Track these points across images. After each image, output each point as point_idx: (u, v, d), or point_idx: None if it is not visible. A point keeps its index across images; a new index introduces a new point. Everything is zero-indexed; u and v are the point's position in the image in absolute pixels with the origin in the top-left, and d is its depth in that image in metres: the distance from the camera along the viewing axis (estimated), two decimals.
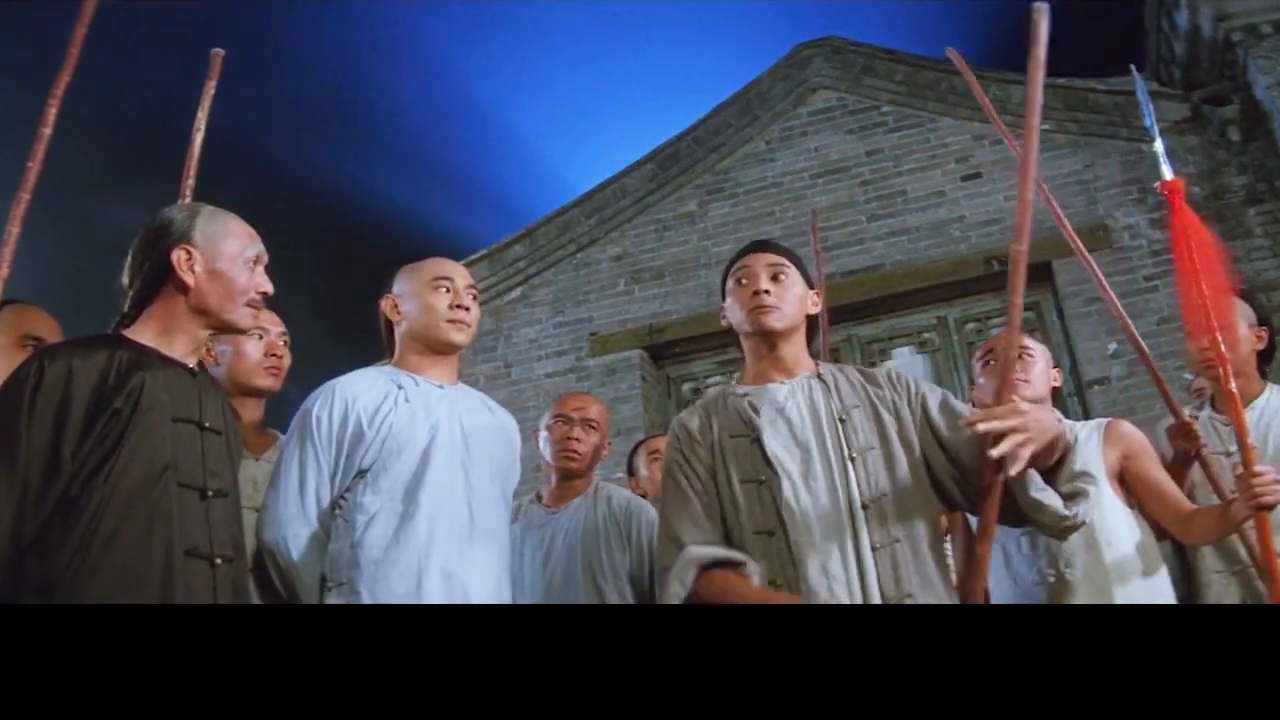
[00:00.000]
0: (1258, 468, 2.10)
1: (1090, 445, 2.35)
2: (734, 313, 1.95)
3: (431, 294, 2.10)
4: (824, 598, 1.65)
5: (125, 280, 1.76)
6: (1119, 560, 2.20)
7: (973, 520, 2.34)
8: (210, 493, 1.64)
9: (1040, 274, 5.18)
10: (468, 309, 2.11)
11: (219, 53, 2.61)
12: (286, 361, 2.35)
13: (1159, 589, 2.21)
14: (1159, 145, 2.64)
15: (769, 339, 1.90)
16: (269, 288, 1.81)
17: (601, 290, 5.84)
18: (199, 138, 2.49)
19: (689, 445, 1.86)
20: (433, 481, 1.94)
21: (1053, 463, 1.72)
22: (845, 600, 1.65)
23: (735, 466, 1.80)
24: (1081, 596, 2.16)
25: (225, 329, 1.80)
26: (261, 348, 2.29)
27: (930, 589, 1.69)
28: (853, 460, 1.75)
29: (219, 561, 1.61)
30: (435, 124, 18.20)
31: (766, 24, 16.24)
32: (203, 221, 1.76)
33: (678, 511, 1.80)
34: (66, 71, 2.24)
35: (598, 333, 5.70)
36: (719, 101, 6.12)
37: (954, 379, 5.16)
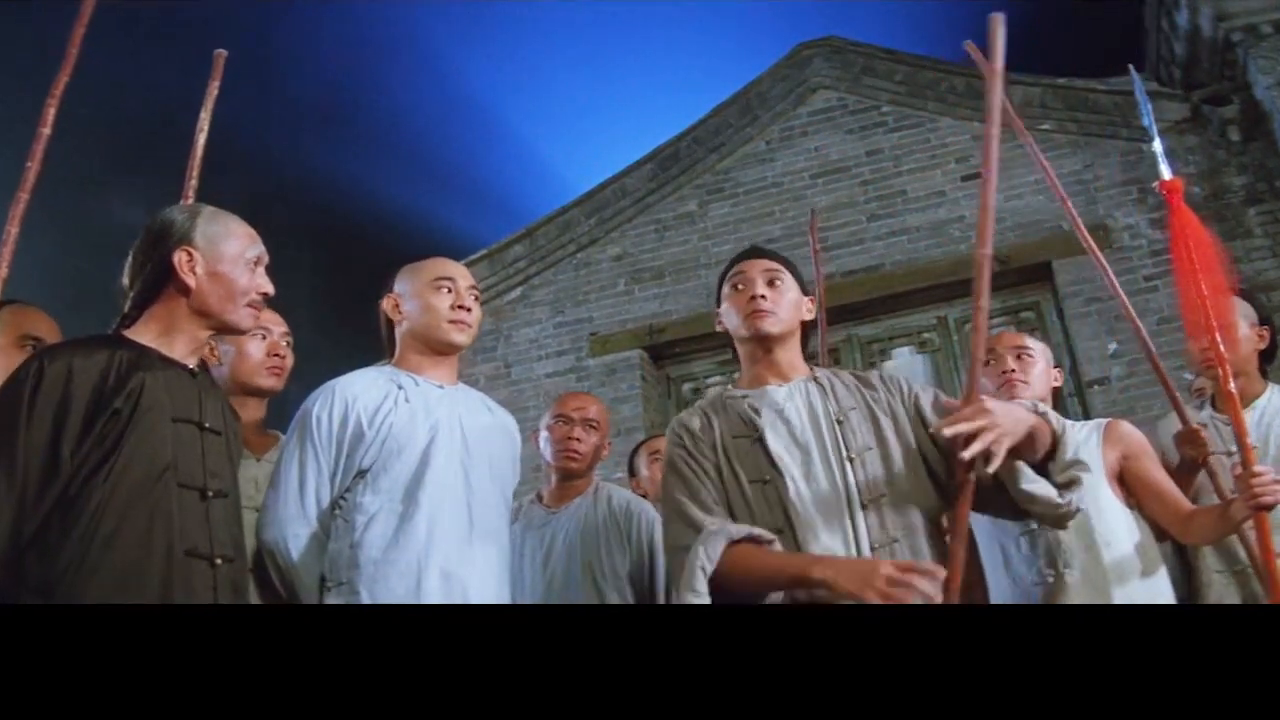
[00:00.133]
0: (1257, 468, 2.10)
1: (1090, 445, 2.34)
2: (730, 317, 1.97)
3: (433, 294, 2.10)
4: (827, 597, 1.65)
5: (126, 281, 1.76)
6: (1118, 560, 2.20)
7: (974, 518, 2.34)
8: (210, 493, 1.64)
9: (1040, 274, 5.19)
10: (469, 309, 2.11)
11: (222, 53, 2.61)
12: (289, 361, 2.36)
13: (1158, 589, 2.21)
14: (1158, 145, 2.64)
15: (765, 343, 1.92)
16: (270, 288, 1.81)
17: (601, 290, 5.84)
18: (202, 138, 2.49)
19: (693, 443, 1.86)
20: (432, 482, 1.94)
21: (1042, 455, 1.73)
22: (840, 604, 1.64)
23: (741, 467, 1.80)
24: (1080, 597, 2.16)
25: (226, 330, 1.80)
26: (264, 348, 2.29)
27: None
28: (851, 461, 1.77)
29: (219, 562, 1.61)
30: (435, 124, 18.20)
31: (766, 24, 16.23)
32: (203, 223, 1.76)
33: (687, 498, 1.79)
34: (65, 71, 2.24)
35: (598, 333, 5.70)
36: (719, 101, 6.12)
37: (954, 379, 5.16)
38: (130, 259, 1.76)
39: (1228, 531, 2.22)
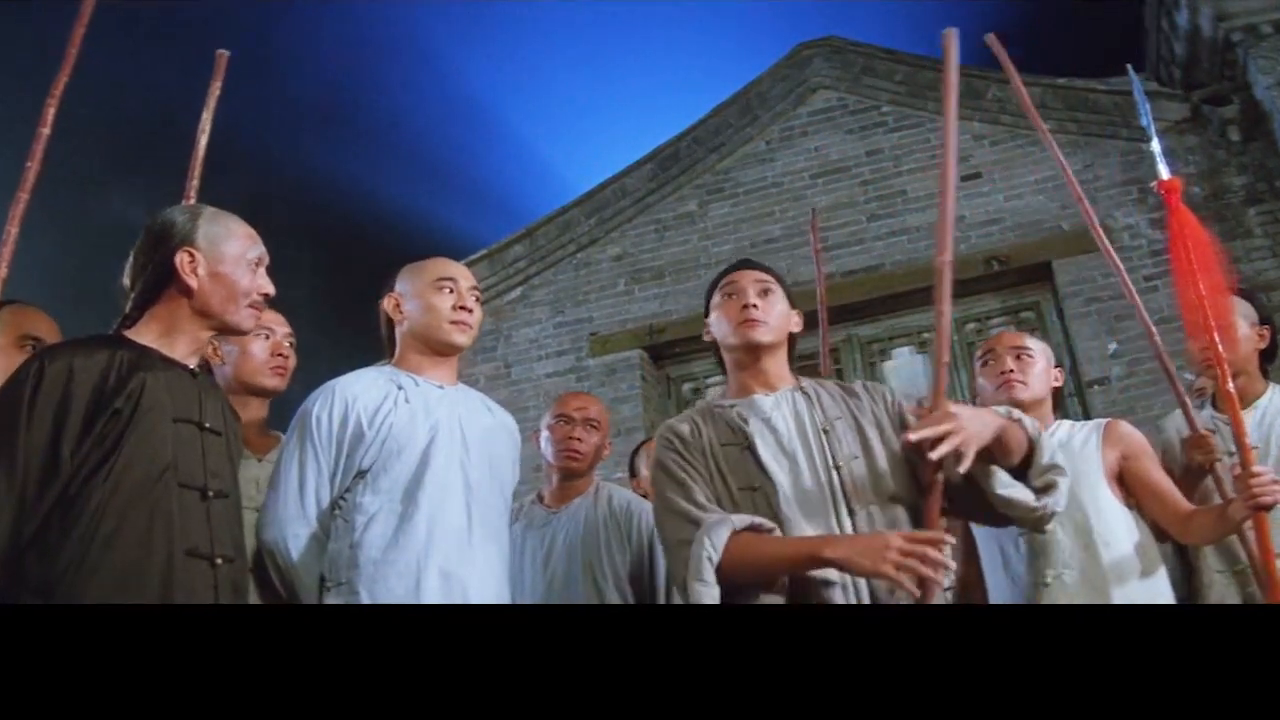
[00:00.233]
0: (1256, 468, 2.10)
1: (1089, 446, 2.34)
2: (720, 326, 1.98)
3: (435, 294, 2.09)
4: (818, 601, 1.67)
5: (126, 281, 1.76)
6: (1117, 561, 2.19)
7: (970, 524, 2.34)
8: (211, 493, 1.65)
9: (1040, 274, 5.19)
10: (470, 310, 2.11)
11: (224, 54, 2.61)
12: (292, 362, 2.36)
13: (1157, 589, 2.20)
14: (1156, 145, 2.64)
15: (755, 353, 1.94)
16: (271, 289, 1.81)
17: (601, 290, 5.84)
18: (203, 139, 2.49)
19: (683, 446, 1.87)
20: (432, 482, 1.93)
21: (1019, 459, 1.76)
22: (840, 604, 1.67)
23: (731, 474, 1.82)
24: (1079, 597, 2.16)
25: (227, 330, 1.80)
26: (268, 348, 2.30)
27: None
28: (838, 469, 1.79)
29: (219, 562, 1.61)
30: (435, 124, 18.20)
31: (766, 24, 16.24)
32: (205, 223, 1.76)
33: (681, 497, 1.80)
34: (65, 71, 2.24)
35: (598, 333, 5.70)
36: (719, 101, 6.12)
37: (954, 379, 5.16)
38: (131, 259, 1.76)
39: (1227, 532, 2.21)
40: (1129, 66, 3.11)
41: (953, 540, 1.62)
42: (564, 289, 5.91)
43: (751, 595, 1.69)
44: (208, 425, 1.69)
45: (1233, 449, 2.29)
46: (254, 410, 2.29)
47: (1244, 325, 2.53)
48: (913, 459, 1.78)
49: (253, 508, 1.98)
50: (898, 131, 5.71)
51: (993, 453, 1.72)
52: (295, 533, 1.92)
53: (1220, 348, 2.26)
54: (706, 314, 2.04)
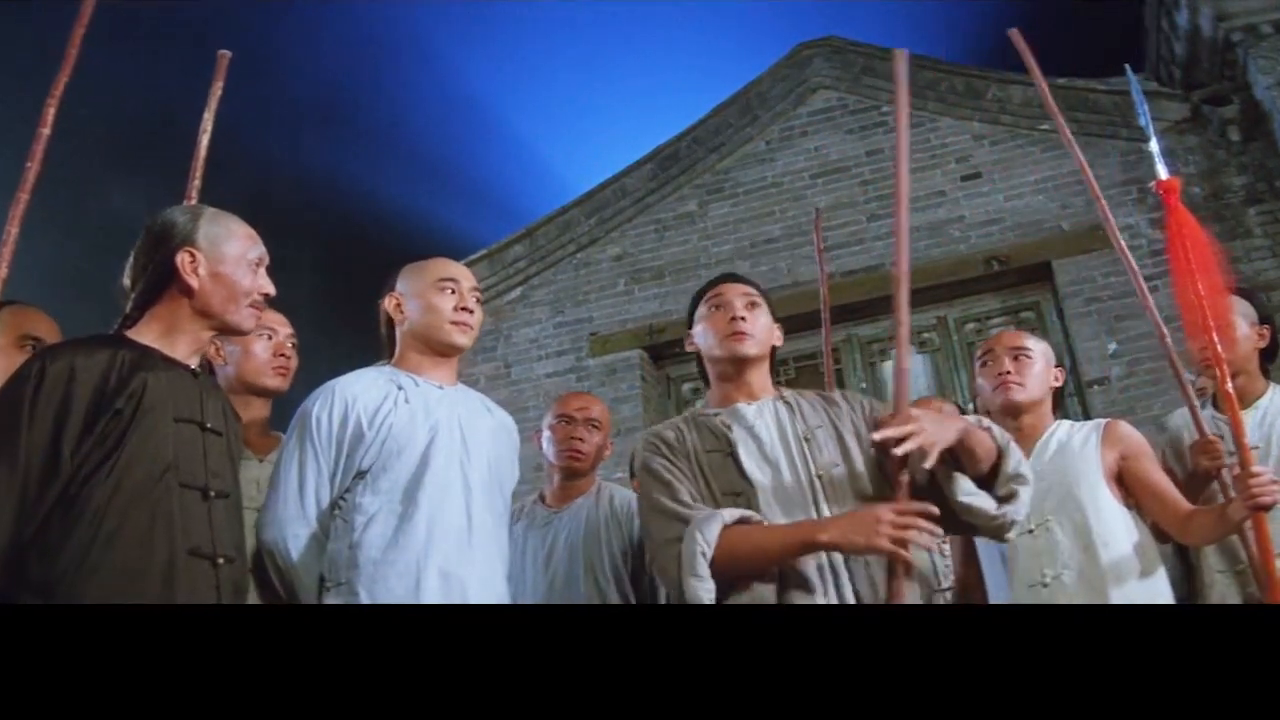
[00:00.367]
0: (1255, 468, 2.10)
1: (1088, 446, 2.34)
2: (705, 337, 2.02)
3: (436, 295, 2.09)
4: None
5: (127, 281, 1.77)
6: (1115, 561, 2.19)
7: None
8: (212, 493, 1.65)
9: (1040, 274, 5.19)
10: (472, 311, 2.11)
11: (225, 55, 2.61)
12: (294, 362, 2.37)
13: (1157, 589, 2.20)
14: (1154, 145, 2.64)
15: (740, 364, 1.97)
16: (271, 289, 1.82)
17: (601, 290, 5.84)
18: (205, 139, 2.49)
19: (668, 450, 1.90)
20: (432, 482, 1.93)
21: (988, 467, 1.79)
22: (838, 604, 1.69)
23: (715, 479, 1.85)
24: (1077, 597, 2.16)
25: (228, 330, 1.80)
26: (270, 348, 2.30)
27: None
28: (819, 477, 1.82)
29: (221, 561, 1.62)
30: (435, 124, 18.20)
31: (766, 24, 16.24)
32: (205, 224, 1.77)
33: (668, 498, 1.82)
34: (65, 72, 2.24)
35: (598, 333, 5.70)
36: (719, 101, 6.12)
37: (954, 379, 5.16)
38: (131, 259, 1.77)
39: (1227, 532, 2.21)
40: (1127, 66, 3.11)
41: (936, 511, 1.66)
42: (564, 289, 5.91)
43: (742, 590, 1.71)
44: (209, 425, 1.69)
45: (1233, 449, 2.29)
46: (256, 410, 2.30)
47: (1243, 325, 2.52)
48: (884, 461, 1.81)
49: (253, 508, 1.98)
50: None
51: (959, 459, 1.77)
52: (295, 533, 1.92)
53: (1219, 348, 2.26)
54: (690, 325, 2.08)
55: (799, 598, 1.70)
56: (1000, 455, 1.80)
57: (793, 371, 5.42)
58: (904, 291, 1.85)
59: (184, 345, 1.73)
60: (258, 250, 1.82)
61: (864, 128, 5.79)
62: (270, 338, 2.30)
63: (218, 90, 2.57)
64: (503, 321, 5.86)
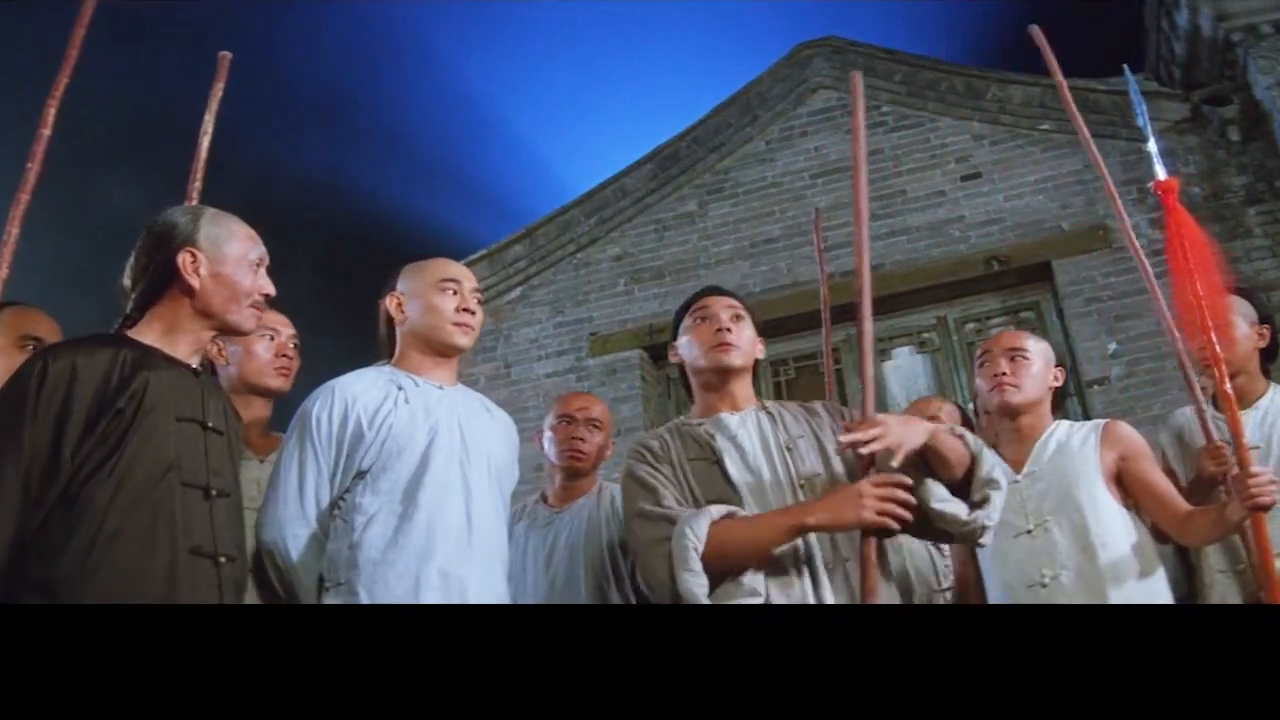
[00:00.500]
0: (1253, 468, 2.09)
1: (1087, 446, 2.33)
2: (689, 349, 2.07)
3: (438, 295, 2.09)
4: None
5: (127, 282, 1.77)
6: (1113, 561, 2.19)
7: None
8: (214, 492, 1.65)
9: (1040, 274, 5.19)
10: (473, 313, 2.11)
11: (226, 56, 2.61)
12: (296, 363, 2.38)
13: (1155, 590, 2.20)
14: (1152, 145, 2.64)
15: (725, 375, 2.02)
16: (271, 290, 1.82)
17: (601, 290, 5.83)
18: (206, 140, 2.49)
19: (653, 458, 1.94)
20: (432, 483, 1.93)
21: (961, 474, 1.83)
22: (836, 604, 1.73)
23: (699, 487, 1.88)
24: (1075, 598, 2.16)
25: (228, 330, 1.81)
26: (273, 348, 2.31)
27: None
28: (801, 486, 1.86)
29: (223, 560, 1.62)
30: (435, 124, 18.19)
31: (766, 24, 16.23)
32: (206, 224, 1.77)
33: (654, 501, 1.86)
34: (65, 73, 2.24)
35: (598, 333, 5.70)
36: (719, 101, 6.12)
37: (954, 379, 5.16)
38: (132, 260, 1.77)
39: (1226, 532, 2.21)
40: (1125, 67, 3.12)
41: (909, 481, 1.73)
42: (564, 289, 5.91)
43: (730, 588, 1.73)
44: (210, 424, 1.70)
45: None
46: (257, 410, 2.30)
47: (1243, 324, 2.52)
48: (852, 463, 1.85)
49: (253, 508, 1.98)
50: (898, 131, 5.71)
51: (930, 465, 1.80)
52: (294, 533, 1.92)
53: (1217, 348, 2.26)
54: (674, 337, 2.13)
55: (781, 601, 1.73)
56: (973, 461, 1.83)
57: (793, 371, 5.42)
58: (866, 302, 1.90)
59: (185, 345, 1.74)
60: (258, 251, 1.82)
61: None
62: (273, 338, 2.31)
63: (219, 92, 2.57)
64: (503, 321, 5.86)
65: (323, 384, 2.05)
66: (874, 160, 5.68)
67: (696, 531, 1.71)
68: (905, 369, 5.33)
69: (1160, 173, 2.56)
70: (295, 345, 2.38)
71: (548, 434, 2.86)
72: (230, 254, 1.77)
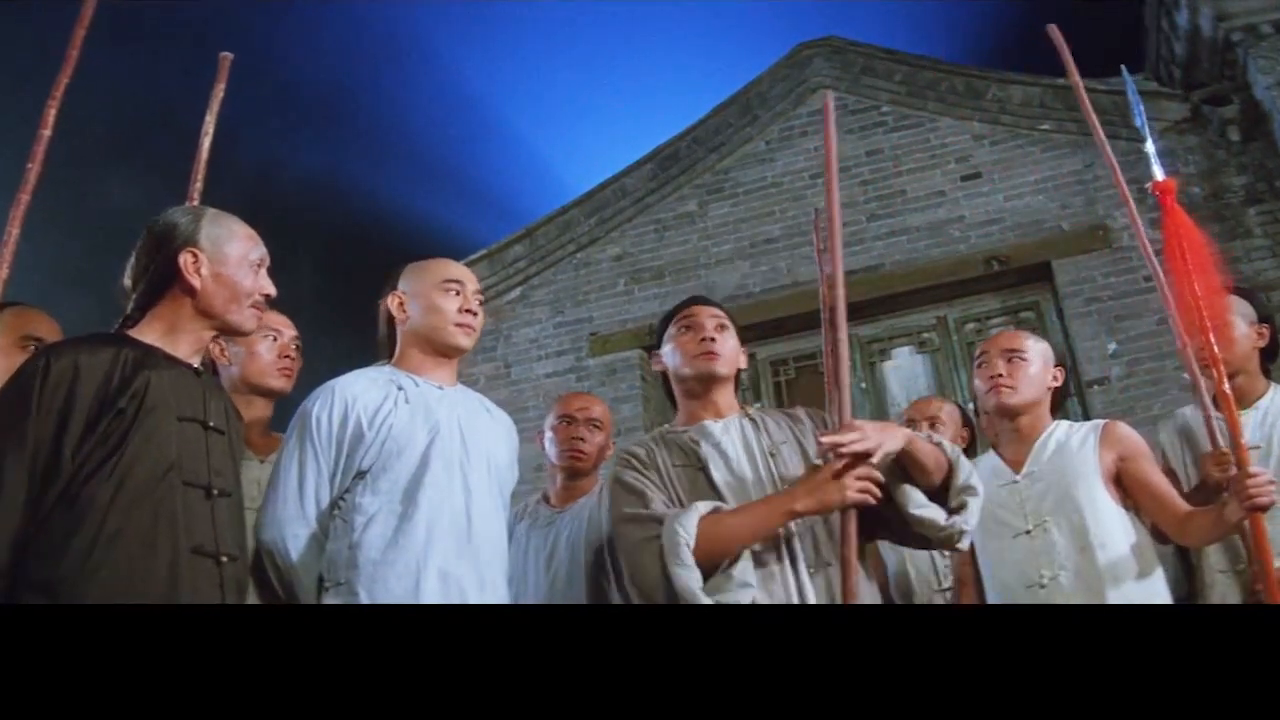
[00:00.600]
0: (1252, 468, 2.09)
1: (1086, 447, 2.33)
2: (674, 357, 2.10)
3: (440, 296, 2.09)
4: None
5: (128, 282, 1.77)
6: (1112, 562, 2.19)
7: None
8: (215, 491, 1.65)
9: (1040, 274, 5.19)
10: (475, 314, 2.11)
11: (227, 57, 2.61)
12: (298, 364, 2.38)
13: (1154, 590, 2.20)
14: (1150, 145, 2.64)
15: (709, 384, 2.06)
16: (272, 290, 1.83)
17: (601, 290, 5.83)
18: (207, 141, 2.50)
19: (640, 465, 1.97)
20: (432, 483, 1.93)
21: (939, 480, 1.87)
22: (832, 604, 1.77)
23: (685, 493, 1.92)
24: (1074, 598, 2.16)
25: (229, 331, 1.81)
26: (275, 349, 2.32)
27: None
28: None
29: (225, 560, 1.62)
30: (435, 124, 18.19)
31: (766, 24, 16.23)
32: (207, 225, 1.77)
33: (641, 504, 1.89)
34: (66, 73, 2.24)
35: (598, 333, 5.70)
36: (719, 101, 6.12)
37: (954, 379, 5.16)
38: (132, 260, 1.77)
39: (1225, 533, 2.20)
40: (1123, 67, 3.11)
41: (878, 476, 1.78)
42: (564, 289, 5.91)
43: (722, 579, 1.76)
44: (212, 424, 1.70)
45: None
46: (258, 410, 2.31)
47: (1242, 324, 2.51)
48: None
49: (254, 508, 1.98)
50: (897, 131, 5.71)
51: (909, 471, 1.85)
52: (294, 533, 1.92)
53: (1216, 348, 2.26)
54: (658, 345, 2.16)
55: (763, 600, 1.76)
56: (951, 468, 1.87)
57: (793, 371, 5.42)
58: (841, 310, 1.96)
59: (186, 345, 1.74)
60: (259, 251, 1.82)
61: (864, 128, 5.79)
62: (275, 339, 2.32)
63: (219, 93, 2.57)
64: (503, 321, 5.86)
65: (323, 384, 2.05)
66: (874, 160, 5.68)
67: (686, 527, 1.75)
68: (905, 369, 5.33)
69: (1158, 173, 2.55)
70: (298, 346, 2.39)
71: (548, 434, 2.86)
72: (231, 254, 1.77)
